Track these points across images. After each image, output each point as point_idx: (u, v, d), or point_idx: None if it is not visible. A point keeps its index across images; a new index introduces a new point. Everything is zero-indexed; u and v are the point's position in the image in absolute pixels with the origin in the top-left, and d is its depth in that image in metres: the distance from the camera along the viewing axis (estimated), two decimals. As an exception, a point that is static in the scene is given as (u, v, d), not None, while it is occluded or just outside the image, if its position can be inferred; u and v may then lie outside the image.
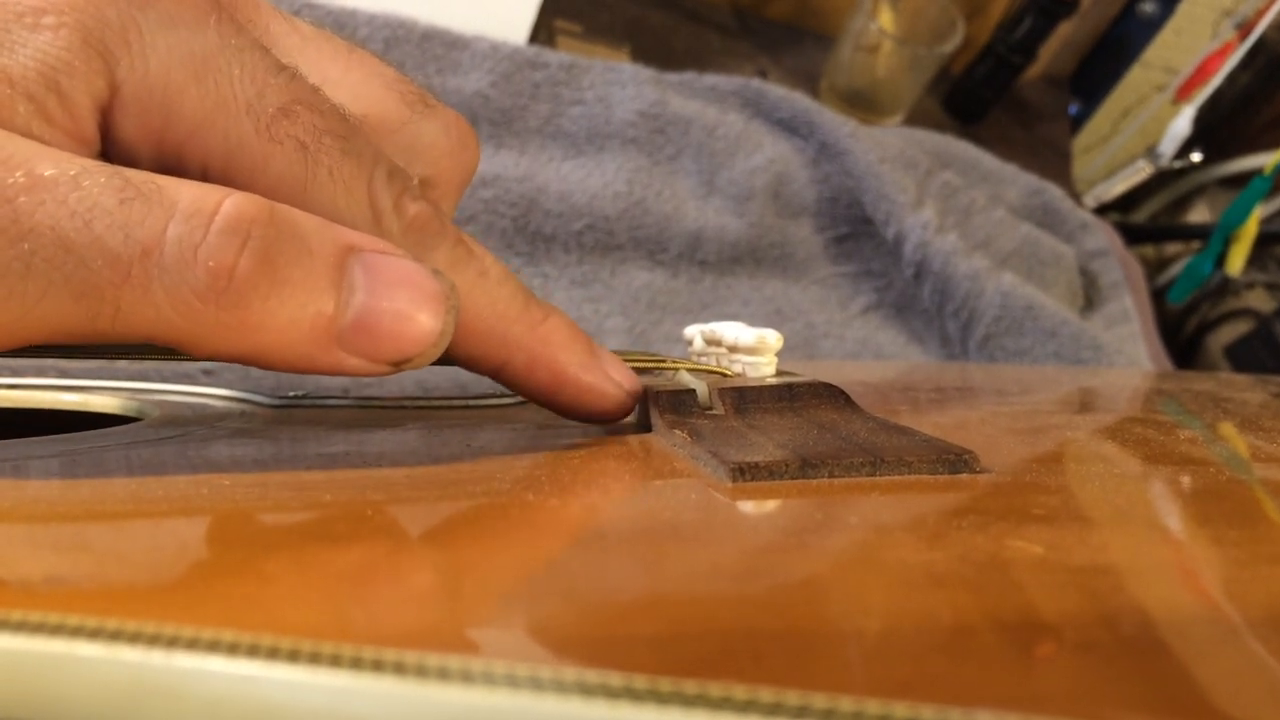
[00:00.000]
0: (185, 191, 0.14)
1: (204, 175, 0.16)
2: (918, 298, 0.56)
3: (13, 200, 0.13)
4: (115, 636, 0.08)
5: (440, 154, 0.21)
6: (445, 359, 0.18)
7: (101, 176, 0.14)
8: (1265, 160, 0.69)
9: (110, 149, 0.16)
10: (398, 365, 0.16)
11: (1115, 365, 0.54)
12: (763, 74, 0.64)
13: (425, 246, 0.17)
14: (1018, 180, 0.64)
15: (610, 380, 0.19)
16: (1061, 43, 0.77)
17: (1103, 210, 0.76)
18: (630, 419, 0.22)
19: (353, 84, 0.19)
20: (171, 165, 0.16)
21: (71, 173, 0.14)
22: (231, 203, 0.14)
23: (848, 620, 0.10)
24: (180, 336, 0.14)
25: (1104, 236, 0.64)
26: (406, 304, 0.15)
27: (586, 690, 0.08)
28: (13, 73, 0.14)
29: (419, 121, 0.20)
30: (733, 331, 0.23)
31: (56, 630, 0.08)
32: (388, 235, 0.17)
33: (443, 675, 0.08)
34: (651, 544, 0.12)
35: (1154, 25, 0.74)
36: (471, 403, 0.26)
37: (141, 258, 0.14)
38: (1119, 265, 0.63)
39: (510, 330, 0.18)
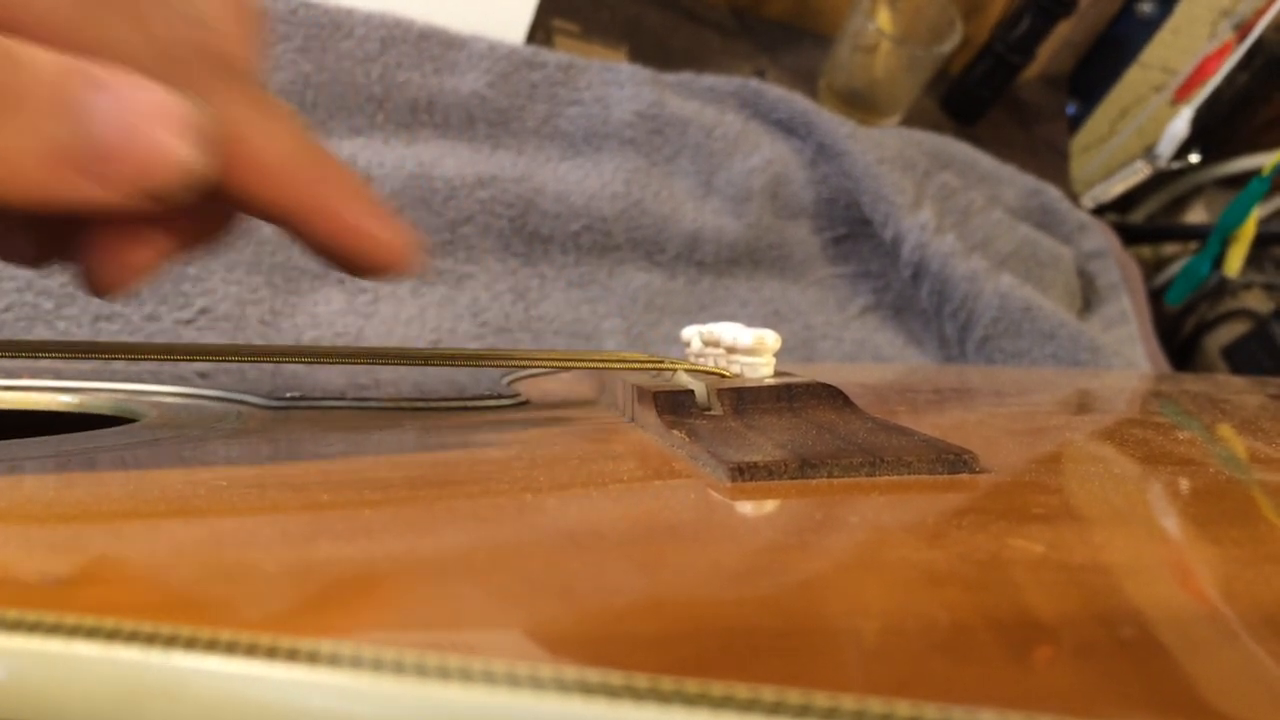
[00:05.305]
0: None
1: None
2: (916, 299, 0.56)
3: None
4: (113, 635, 0.08)
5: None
6: (228, 201, 0.17)
7: None
8: (1263, 161, 0.69)
9: None
10: (155, 197, 0.15)
11: (1113, 367, 0.54)
12: (761, 74, 0.64)
13: (213, 78, 0.16)
14: (1016, 181, 0.64)
15: (388, 229, 0.18)
16: (1060, 42, 0.77)
17: (1100, 211, 0.76)
18: (630, 417, 0.22)
19: None
20: None
21: None
22: None
23: (848, 620, 0.10)
24: None
25: (1102, 237, 0.64)
26: (154, 129, 0.14)
27: (587, 689, 0.08)
28: None
29: None
30: (731, 332, 0.23)
31: (54, 629, 0.08)
32: (176, 64, 0.16)
33: (443, 674, 0.08)
34: (651, 544, 0.12)
35: (1152, 25, 0.74)
36: (468, 404, 0.26)
37: None
38: (1117, 266, 0.63)
39: (296, 175, 0.17)
